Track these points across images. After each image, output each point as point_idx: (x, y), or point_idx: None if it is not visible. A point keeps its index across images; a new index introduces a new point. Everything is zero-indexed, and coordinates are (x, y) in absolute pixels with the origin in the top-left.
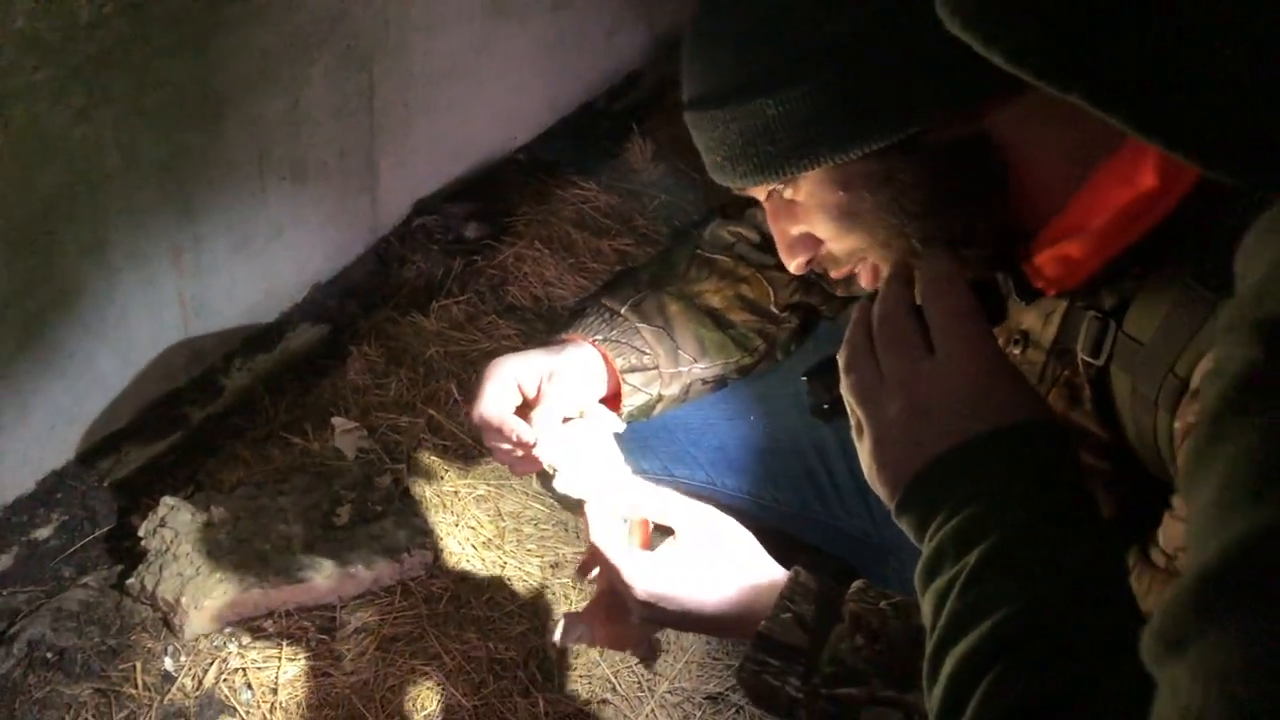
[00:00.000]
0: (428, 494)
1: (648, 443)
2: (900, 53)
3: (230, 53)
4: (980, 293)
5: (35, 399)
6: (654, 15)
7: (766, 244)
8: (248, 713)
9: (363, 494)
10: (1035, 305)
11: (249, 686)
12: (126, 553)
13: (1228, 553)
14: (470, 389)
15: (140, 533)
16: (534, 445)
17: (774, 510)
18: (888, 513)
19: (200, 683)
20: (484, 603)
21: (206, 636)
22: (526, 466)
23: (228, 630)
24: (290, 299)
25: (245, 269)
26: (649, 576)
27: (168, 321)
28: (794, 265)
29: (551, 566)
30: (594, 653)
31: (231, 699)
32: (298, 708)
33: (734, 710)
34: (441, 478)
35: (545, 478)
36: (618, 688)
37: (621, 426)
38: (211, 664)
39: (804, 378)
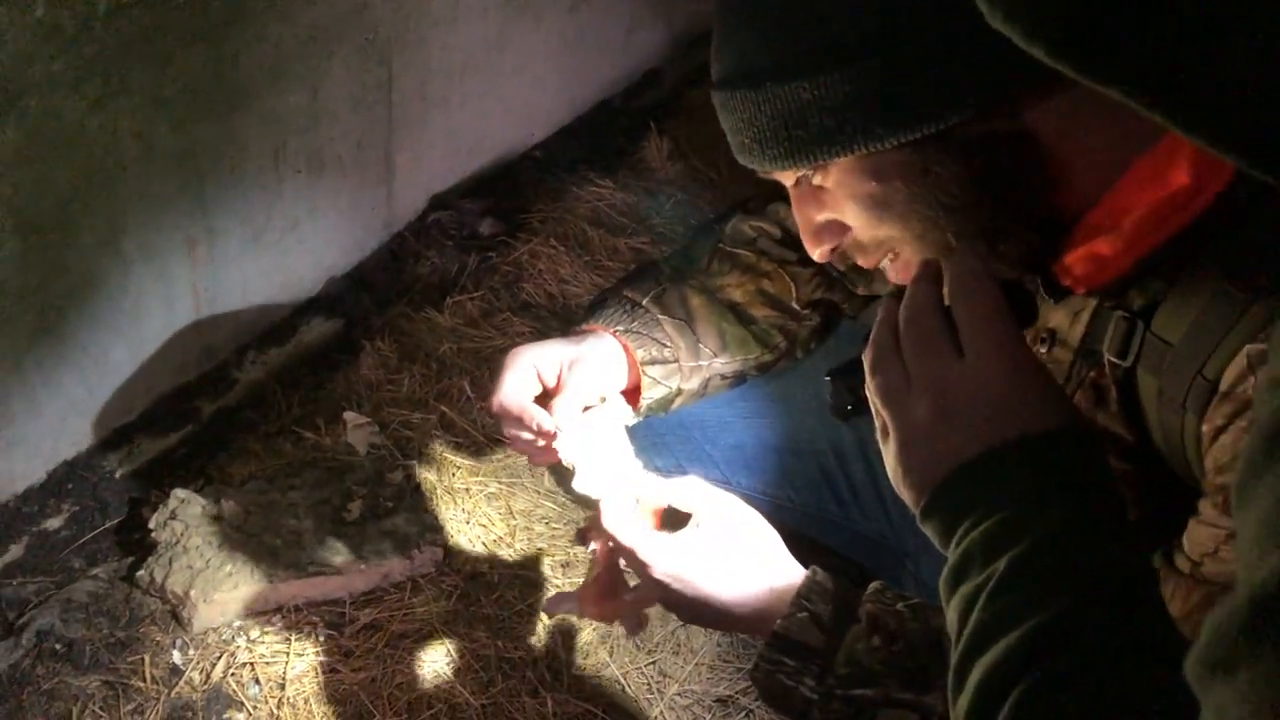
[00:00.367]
0: (439, 490)
1: (663, 440)
2: (942, 42)
3: (248, 45)
4: (1010, 293)
5: (47, 390)
6: (673, 14)
7: (789, 239)
8: (255, 707)
9: (374, 490)
10: (1064, 304)
11: (257, 681)
12: (137, 545)
13: None
14: (488, 378)
15: (150, 525)
16: (555, 434)
17: (790, 511)
18: (904, 516)
19: (208, 676)
20: (494, 601)
21: (215, 630)
22: (546, 457)
23: (236, 624)
24: (304, 293)
25: (259, 262)
26: (668, 557)
27: (181, 314)
28: (818, 253)
29: (562, 566)
30: (603, 653)
31: (239, 693)
32: (305, 703)
33: (744, 714)
34: (453, 474)
35: (560, 473)
36: (627, 689)
37: (633, 419)
38: (220, 658)
39: (827, 378)
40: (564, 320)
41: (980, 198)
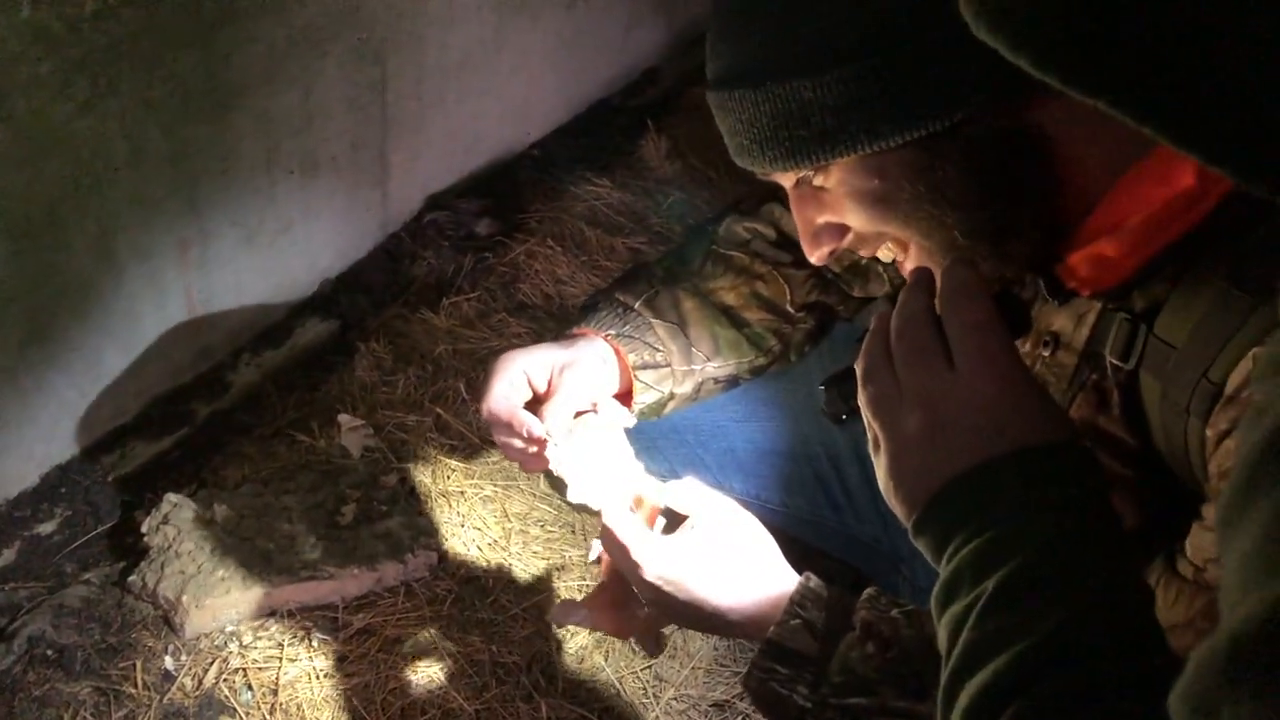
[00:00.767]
0: (433, 494)
1: (656, 445)
2: (945, 39)
3: (239, 45)
4: (1002, 304)
5: (39, 393)
6: (673, 11)
7: (783, 240)
8: (247, 714)
9: (368, 493)
10: (1068, 306)
11: (249, 687)
12: (129, 549)
13: (1266, 615)
14: (479, 384)
15: (143, 530)
16: (545, 441)
17: (784, 515)
18: (899, 521)
19: (200, 682)
20: (488, 605)
21: (207, 635)
22: (537, 464)
23: (229, 629)
24: (299, 294)
25: (253, 263)
26: (660, 559)
27: (174, 316)
28: (816, 256)
29: (558, 569)
30: (598, 657)
31: (231, 699)
32: (298, 709)
33: (741, 718)
34: (448, 478)
35: (555, 478)
36: (622, 693)
37: (632, 421)
38: (212, 664)
39: (821, 387)
40: (560, 321)
41: (984, 196)
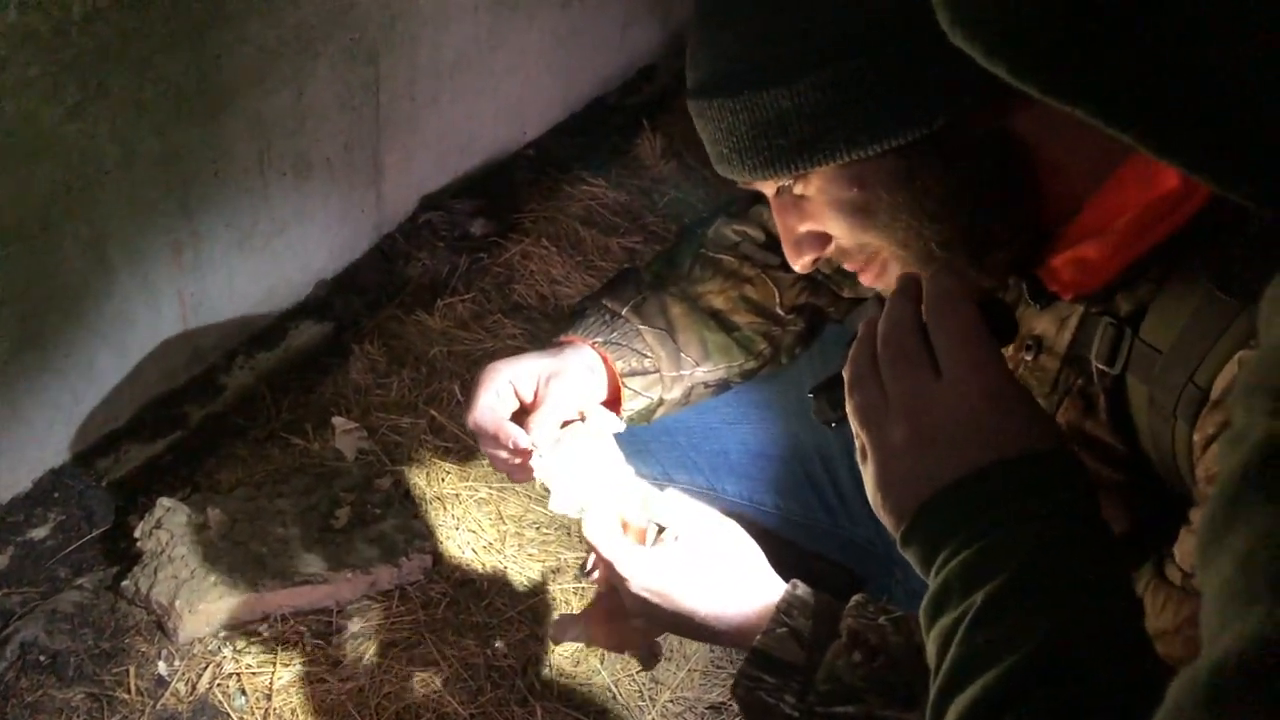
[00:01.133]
0: (428, 496)
1: (648, 447)
2: (923, 46)
3: (230, 46)
4: (988, 311)
5: (32, 397)
6: (669, 9)
7: (772, 243)
8: (241, 718)
9: (362, 496)
10: (1050, 310)
11: (243, 692)
12: (123, 554)
13: (1243, 648)
14: (465, 395)
15: (136, 534)
16: (531, 452)
17: (777, 517)
18: None
19: (194, 688)
20: (483, 608)
21: (201, 640)
22: (525, 474)
23: (222, 634)
24: (293, 296)
25: (247, 265)
26: (646, 572)
27: (167, 319)
28: (799, 264)
29: (553, 572)
30: (594, 660)
31: (225, 704)
32: (292, 714)
33: None
34: (442, 480)
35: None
36: (618, 696)
37: (622, 427)
38: (205, 669)
39: (810, 394)
40: (555, 322)
41: (964, 204)
